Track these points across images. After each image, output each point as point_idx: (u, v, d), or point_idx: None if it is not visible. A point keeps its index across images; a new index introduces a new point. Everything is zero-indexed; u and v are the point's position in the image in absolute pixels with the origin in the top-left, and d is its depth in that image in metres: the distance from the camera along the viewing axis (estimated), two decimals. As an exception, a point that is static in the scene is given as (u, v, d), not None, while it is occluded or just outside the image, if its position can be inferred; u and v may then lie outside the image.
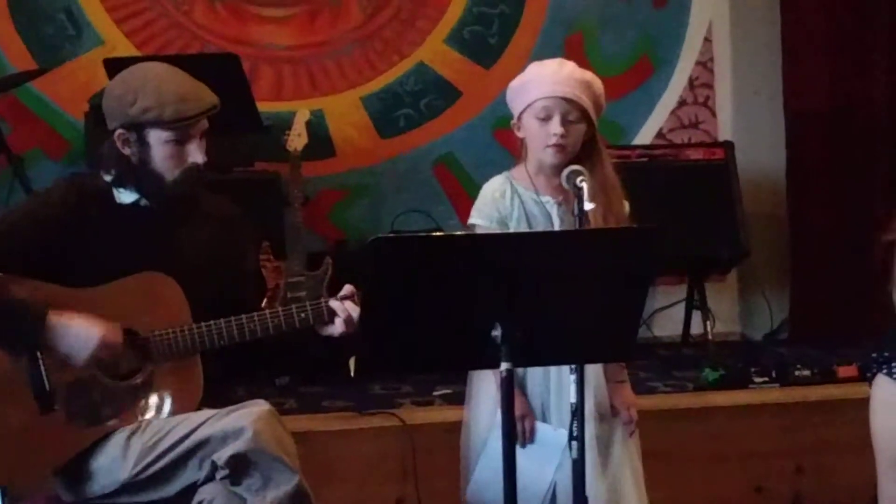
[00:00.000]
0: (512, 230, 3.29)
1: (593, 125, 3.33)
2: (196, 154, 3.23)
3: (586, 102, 3.29)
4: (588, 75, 3.34)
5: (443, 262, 2.62)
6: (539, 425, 3.34)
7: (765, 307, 5.99)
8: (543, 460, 3.30)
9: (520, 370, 3.30)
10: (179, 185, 3.25)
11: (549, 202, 3.35)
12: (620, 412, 3.38)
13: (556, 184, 3.28)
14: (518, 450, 3.24)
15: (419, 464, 4.12)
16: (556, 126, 3.27)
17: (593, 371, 3.33)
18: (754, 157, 5.94)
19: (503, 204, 3.36)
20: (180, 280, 3.21)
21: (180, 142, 3.22)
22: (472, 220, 3.39)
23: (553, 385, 3.33)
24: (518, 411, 3.27)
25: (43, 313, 3.09)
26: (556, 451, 3.29)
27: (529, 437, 3.32)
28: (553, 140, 3.27)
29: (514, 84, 3.38)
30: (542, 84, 3.31)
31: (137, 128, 3.21)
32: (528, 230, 3.29)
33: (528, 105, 3.31)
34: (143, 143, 3.22)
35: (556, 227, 3.30)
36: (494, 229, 3.30)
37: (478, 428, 3.38)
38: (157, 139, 3.21)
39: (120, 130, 3.22)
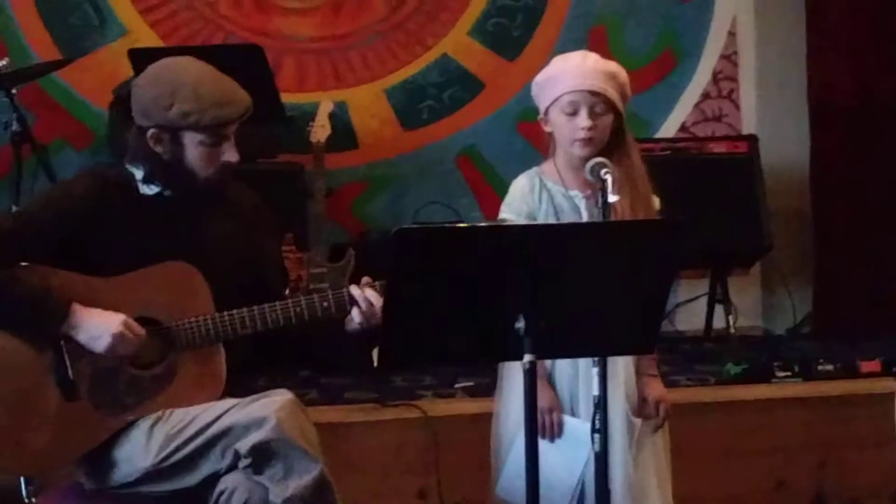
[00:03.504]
0: None
1: (621, 115, 3.32)
2: (230, 154, 3.24)
3: (612, 93, 3.28)
4: (613, 66, 3.33)
5: (466, 253, 2.62)
6: (567, 419, 3.32)
7: (788, 301, 5.98)
8: (572, 454, 3.27)
9: (548, 362, 3.30)
10: (211, 182, 3.26)
11: (578, 196, 3.34)
12: (649, 406, 3.37)
13: (584, 177, 3.27)
14: (547, 444, 3.26)
15: (441, 455, 4.13)
16: (583, 120, 3.26)
17: (623, 363, 3.32)
18: (778, 150, 5.92)
19: (532, 199, 3.35)
20: (203, 270, 3.21)
21: (215, 144, 3.22)
22: (501, 215, 3.38)
23: (582, 377, 3.30)
24: (546, 404, 3.27)
25: (66, 304, 3.11)
26: (584, 444, 3.25)
27: (557, 431, 3.31)
28: (581, 134, 3.26)
29: (539, 79, 3.37)
30: (567, 78, 3.30)
31: (172, 129, 3.21)
32: (553, 222, 3.28)
33: (555, 100, 3.30)
34: (177, 144, 3.21)
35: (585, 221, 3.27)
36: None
37: (508, 421, 3.36)
38: (192, 140, 3.20)
39: (153, 130, 3.22)
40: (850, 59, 5.89)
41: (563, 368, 3.34)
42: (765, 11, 6.12)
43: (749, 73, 6.15)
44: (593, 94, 3.27)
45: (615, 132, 3.32)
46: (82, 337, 3.12)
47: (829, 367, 4.72)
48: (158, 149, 3.22)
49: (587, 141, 3.27)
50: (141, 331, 3.14)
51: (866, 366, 4.70)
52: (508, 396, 3.38)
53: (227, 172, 3.27)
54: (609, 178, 3.03)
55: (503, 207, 3.40)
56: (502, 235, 2.74)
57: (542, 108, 3.36)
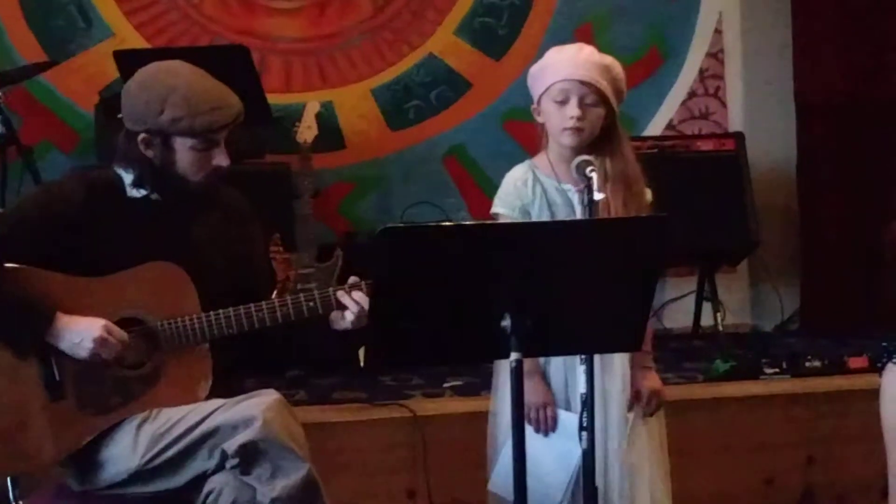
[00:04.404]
0: (534, 218, 3.29)
1: (613, 110, 3.32)
2: (221, 158, 3.23)
3: (604, 86, 3.27)
4: (607, 59, 3.33)
5: (452, 252, 2.61)
6: (561, 413, 3.32)
7: (775, 298, 5.99)
8: (566, 448, 3.26)
9: (542, 358, 3.29)
10: (201, 187, 3.25)
11: (571, 190, 3.33)
12: (643, 398, 3.37)
13: None
14: (541, 439, 3.26)
15: (429, 455, 4.13)
16: (572, 109, 3.26)
17: (619, 358, 3.32)
18: (765, 148, 5.94)
19: (525, 192, 3.35)
20: (190, 271, 3.21)
21: (206, 148, 3.22)
22: (494, 210, 3.38)
23: (578, 371, 3.29)
24: (540, 399, 3.29)
25: (50, 314, 3.11)
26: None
27: (551, 426, 3.31)
28: (570, 123, 3.26)
29: (534, 69, 3.38)
30: (560, 68, 3.30)
31: (163, 134, 3.20)
32: (548, 218, 3.28)
33: (546, 89, 3.30)
34: (168, 148, 3.20)
35: (578, 215, 3.24)
36: (517, 218, 3.30)
37: (503, 418, 3.34)
38: (184, 145, 3.20)
39: (144, 135, 3.21)
40: (837, 56, 5.90)
41: (557, 363, 3.34)
42: (751, 9, 6.13)
43: (735, 71, 6.16)
44: (584, 84, 3.26)
45: (607, 128, 3.31)
46: (64, 345, 3.11)
47: (817, 364, 4.73)
48: (149, 153, 3.21)
49: (576, 131, 3.26)
50: (123, 334, 3.14)
51: (854, 362, 4.72)
52: (503, 394, 3.36)
53: (216, 176, 3.26)
54: (594, 175, 3.04)
55: (496, 201, 3.39)
56: (487, 234, 2.73)
57: (535, 98, 3.36)
